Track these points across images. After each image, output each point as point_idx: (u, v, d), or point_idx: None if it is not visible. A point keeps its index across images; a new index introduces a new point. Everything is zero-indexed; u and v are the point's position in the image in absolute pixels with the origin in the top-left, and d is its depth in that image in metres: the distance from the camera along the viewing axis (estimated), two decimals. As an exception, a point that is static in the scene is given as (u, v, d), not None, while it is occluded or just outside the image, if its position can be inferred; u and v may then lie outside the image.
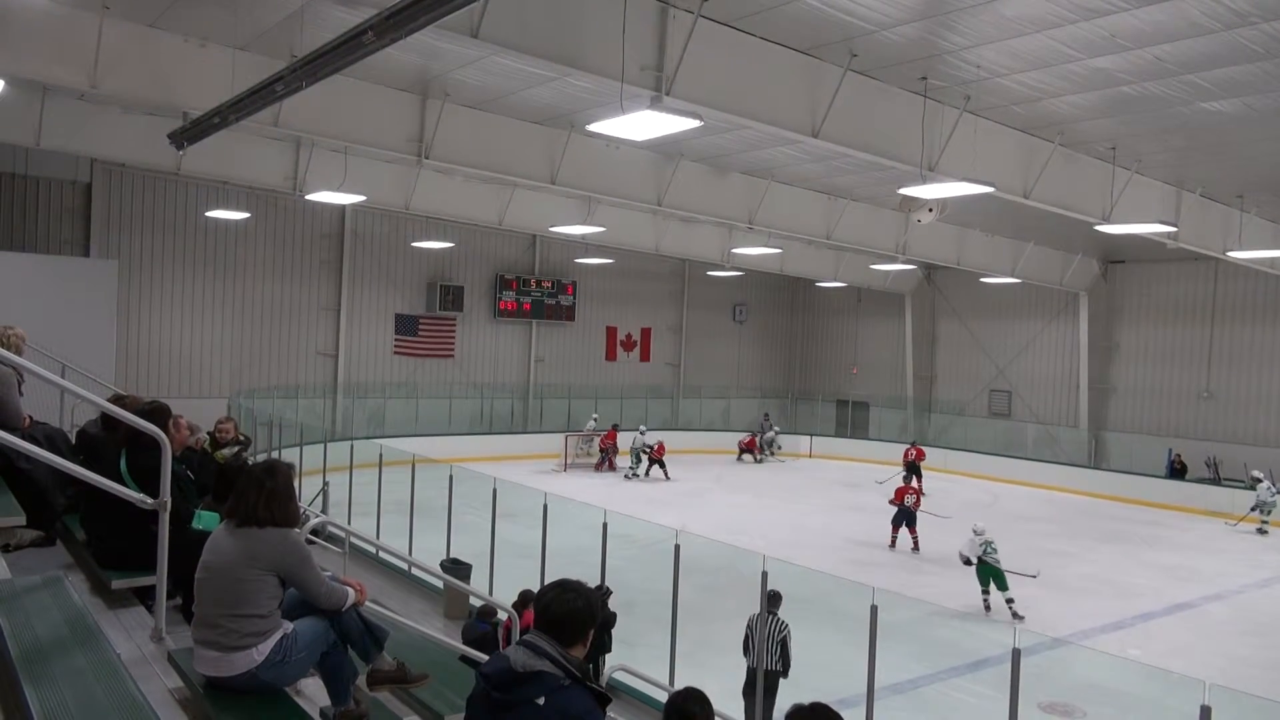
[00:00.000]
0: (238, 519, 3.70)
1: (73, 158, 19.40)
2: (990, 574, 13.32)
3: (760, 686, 8.62)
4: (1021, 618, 12.78)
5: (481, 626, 8.68)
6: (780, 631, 8.85)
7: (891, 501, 17.63)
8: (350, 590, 3.90)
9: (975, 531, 13.66)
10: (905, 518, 17.12)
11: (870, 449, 28.70)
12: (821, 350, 35.37)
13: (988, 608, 13.39)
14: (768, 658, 8.71)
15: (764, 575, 8.67)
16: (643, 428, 25.67)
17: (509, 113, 13.88)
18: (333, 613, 3.82)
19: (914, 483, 23.54)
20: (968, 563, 13.62)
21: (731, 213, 18.06)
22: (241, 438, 9.43)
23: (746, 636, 9.03)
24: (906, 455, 24.20)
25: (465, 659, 5.80)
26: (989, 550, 13.37)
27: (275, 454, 15.45)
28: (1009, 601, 13.17)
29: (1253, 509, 20.51)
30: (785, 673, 8.80)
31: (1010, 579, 13.20)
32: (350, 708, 3.89)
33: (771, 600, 8.91)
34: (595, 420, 27.10)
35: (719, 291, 32.87)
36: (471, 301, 27.66)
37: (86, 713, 2.97)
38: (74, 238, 20.76)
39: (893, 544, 17.21)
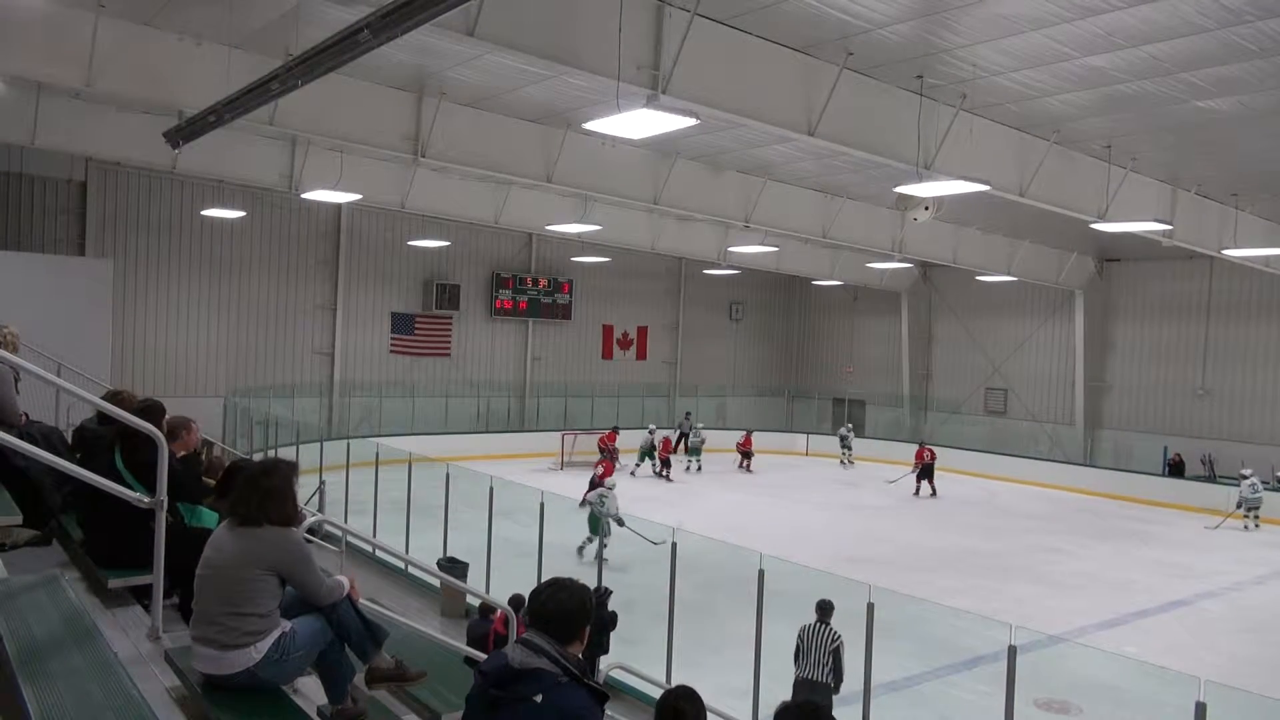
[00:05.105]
0: (237, 518, 3.70)
1: (68, 156, 19.34)
2: (595, 523, 14.53)
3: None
4: (605, 560, 14.32)
5: (485, 623, 8.71)
6: (833, 642, 8.37)
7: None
8: (344, 580, 3.91)
9: (608, 486, 15.69)
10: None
11: (867, 447, 28.72)
12: (818, 348, 35.40)
13: (581, 549, 14.79)
14: (819, 669, 8.31)
15: (760, 574, 8.68)
16: (652, 426, 25.67)
17: (505, 111, 13.88)
18: (329, 610, 3.82)
19: (927, 484, 23.60)
20: (588, 504, 15.20)
21: (728, 211, 18.07)
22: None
23: (797, 649, 8.61)
24: (920, 456, 24.07)
25: (469, 660, 5.80)
26: (599, 503, 14.87)
27: (272, 453, 15.45)
28: (597, 543, 14.21)
29: (1237, 506, 20.54)
30: (837, 688, 8.29)
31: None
32: (347, 705, 3.89)
33: (824, 610, 8.59)
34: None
35: (715, 290, 32.88)
36: (468, 300, 27.64)
37: (84, 712, 2.97)
38: (69, 236, 20.71)
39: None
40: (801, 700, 2.91)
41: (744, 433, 27.52)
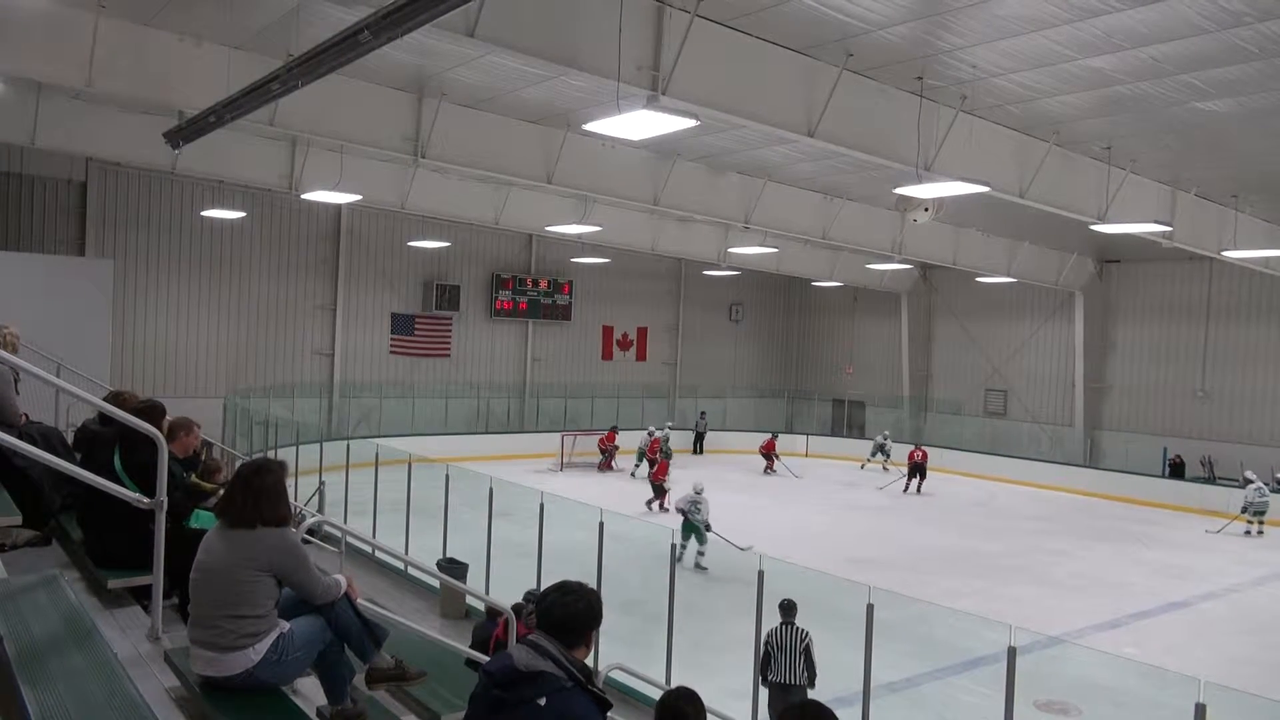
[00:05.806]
0: (229, 520, 3.69)
1: (68, 156, 19.34)
2: (691, 530, 14.90)
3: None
4: (705, 569, 14.80)
5: (491, 625, 8.70)
6: (802, 640, 8.39)
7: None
8: (341, 578, 3.91)
9: (695, 490, 15.45)
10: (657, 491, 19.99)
11: (866, 448, 28.69)
12: (818, 349, 35.41)
13: (680, 558, 14.43)
14: (792, 672, 8.29)
15: (760, 574, 8.66)
16: (652, 428, 25.60)
17: (505, 112, 13.87)
18: (328, 610, 3.81)
19: (916, 484, 23.81)
20: (680, 512, 15.33)
21: (728, 212, 18.06)
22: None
23: (767, 654, 8.46)
24: (912, 456, 24.44)
25: (469, 661, 5.79)
26: (694, 510, 15.04)
27: (271, 453, 15.45)
28: (699, 554, 14.85)
29: (1242, 510, 20.55)
30: (812, 683, 8.36)
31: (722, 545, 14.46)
32: (347, 706, 3.89)
33: (788, 610, 8.59)
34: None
35: (715, 291, 32.88)
36: (468, 301, 27.63)
37: (84, 713, 2.97)
38: (69, 237, 20.72)
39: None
40: (805, 700, 2.90)
41: (767, 436, 27.47)
